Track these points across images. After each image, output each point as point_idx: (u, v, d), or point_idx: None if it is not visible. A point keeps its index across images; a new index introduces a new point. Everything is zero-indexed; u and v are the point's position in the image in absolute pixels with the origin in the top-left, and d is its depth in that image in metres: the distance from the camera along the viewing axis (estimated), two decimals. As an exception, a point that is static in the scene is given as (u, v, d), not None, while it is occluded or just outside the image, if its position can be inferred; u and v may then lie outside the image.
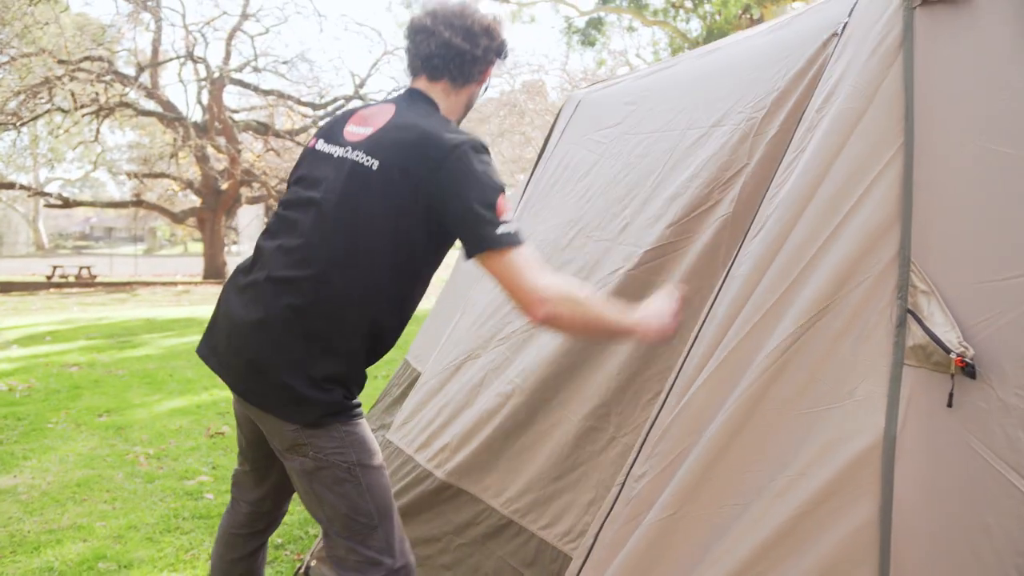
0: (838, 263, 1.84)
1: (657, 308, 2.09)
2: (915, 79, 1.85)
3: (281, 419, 2.11)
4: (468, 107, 2.38)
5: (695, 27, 23.08)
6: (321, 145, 2.29)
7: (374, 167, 2.09)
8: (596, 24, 23.90)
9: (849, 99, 1.93)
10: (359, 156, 2.14)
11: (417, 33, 2.27)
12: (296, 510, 4.43)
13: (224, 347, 2.23)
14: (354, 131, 2.23)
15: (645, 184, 2.65)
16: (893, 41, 1.91)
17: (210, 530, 4.25)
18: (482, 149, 2.10)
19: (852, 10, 2.10)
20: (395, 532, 2.19)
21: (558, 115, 3.79)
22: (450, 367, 3.29)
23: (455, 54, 2.23)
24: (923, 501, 1.67)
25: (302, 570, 3.66)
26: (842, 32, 2.09)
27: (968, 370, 1.65)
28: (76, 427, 6.41)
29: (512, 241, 2.00)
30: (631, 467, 1.94)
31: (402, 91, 2.36)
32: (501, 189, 2.06)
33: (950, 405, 1.67)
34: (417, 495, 3.05)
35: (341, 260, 2.08)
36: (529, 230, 3.32)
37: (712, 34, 20.76)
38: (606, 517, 1.93)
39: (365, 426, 2.20)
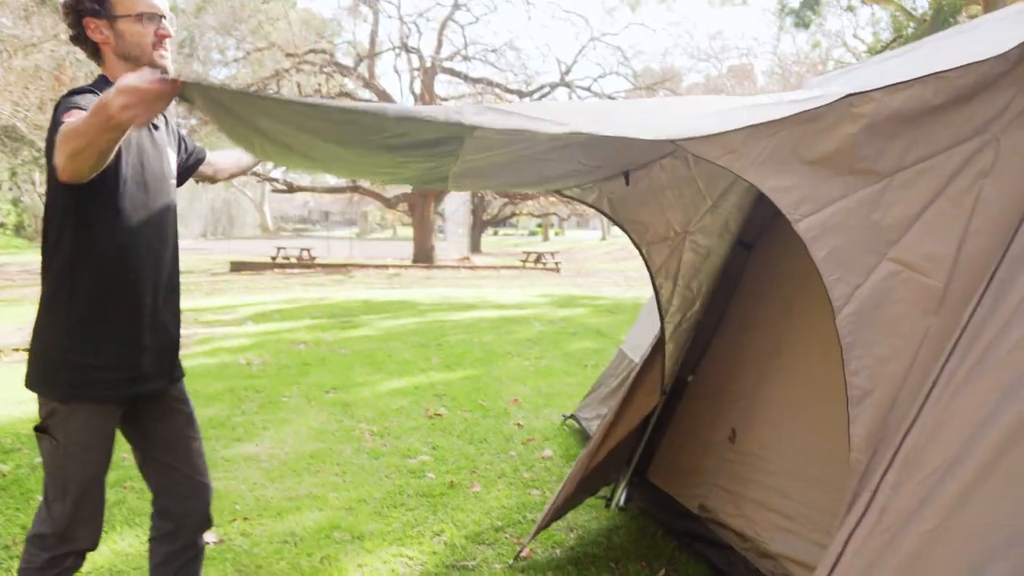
0: None
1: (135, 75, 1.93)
2: None
3: None
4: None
5: (921, 4, 21.69)
6: None
7: None
8: (811, 4, 22.83)
9: None
10: None
11: None
12: (513, 495, 4.56)
13: None
14: None
15: None
16: None
17: (433, 508, 4.42)
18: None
19: None
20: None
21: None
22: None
23: None
24: None
25: (522, 553, 3.76)
26: None
27: None
28: (307, 401, 6.84)
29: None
30: (884, 475, 1.86)
31: None
32: (68, 108, 2.26)
33: None
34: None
35: None
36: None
37: (941, 12, 19.36)
38: (855, 526, 1.86)
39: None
